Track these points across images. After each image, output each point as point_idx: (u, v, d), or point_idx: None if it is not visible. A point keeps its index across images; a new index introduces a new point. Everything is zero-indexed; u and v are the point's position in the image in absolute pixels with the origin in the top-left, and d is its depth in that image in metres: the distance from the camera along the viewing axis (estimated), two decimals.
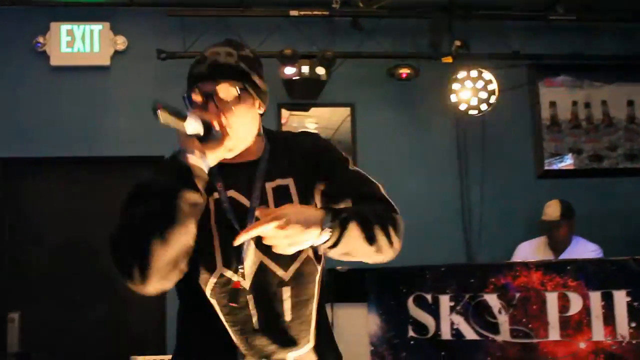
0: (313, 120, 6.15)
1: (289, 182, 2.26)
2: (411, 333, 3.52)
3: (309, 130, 2.61)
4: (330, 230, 2.04)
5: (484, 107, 5.91)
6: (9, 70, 5.92)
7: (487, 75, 5.91)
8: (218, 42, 2.30)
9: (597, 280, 3.32)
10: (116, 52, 6.03)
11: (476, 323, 3.41)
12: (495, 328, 3.37)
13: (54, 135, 5.88)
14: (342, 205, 2.24)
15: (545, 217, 5.44)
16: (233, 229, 2.15)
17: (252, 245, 2.17)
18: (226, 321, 2.17)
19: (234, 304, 2.16)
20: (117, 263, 2.06)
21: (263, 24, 6.03)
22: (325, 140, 2.46)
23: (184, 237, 2.00)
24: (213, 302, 2.17)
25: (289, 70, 5.75)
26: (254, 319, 2.17)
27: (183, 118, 2.03)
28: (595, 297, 3.28)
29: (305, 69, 5.75)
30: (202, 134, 2.06)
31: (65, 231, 5.96)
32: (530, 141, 6.33)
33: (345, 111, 6.19)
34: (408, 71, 6.02)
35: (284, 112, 6.11)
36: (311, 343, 2.23)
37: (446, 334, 3.44)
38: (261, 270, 2.18)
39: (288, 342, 2.19)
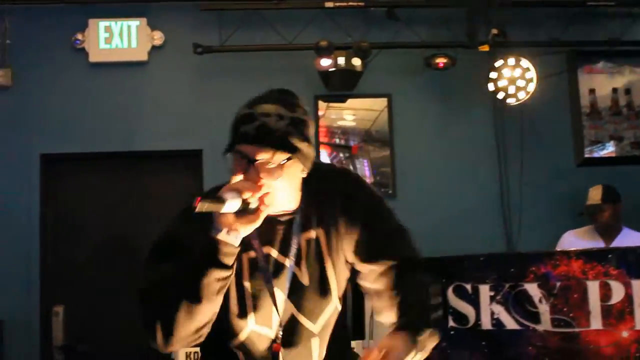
0: (350, 112, 6.15)
1: (320, 233, 2.19)
2: (451, 323, 3.50)
3: (340, 169, 2.51)
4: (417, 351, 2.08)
5: (522, 95, 5.87)
6: (48, 68, 6.00)
7: (525, 63, 5.86)
8: (268, 94, 2.15)
9: (639, 269, 3.28)
10: (153, 47, 6.08)
11: (517, 313, 3.38)
12: (536, 317, 3.34)
13: (94, 131, 5.95)
14: (380, 264, 2.18)
15: (588, 202, 5.40)
16: (265, 285, 2.15)
17: (284, 297, 2.16)
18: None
19: None
20: (143, 322, 2.09)
21: (298, 16, 6.03)
22: (357, 179, 2.35)
23: (210, 310, 2.00)
24: (238, 351, 2.19)
25: (325, 62, 5.75)
26: None
27: (222, 202, 1.89)
28: (638, 286, 3.23)
29: (341, 61, 5.74)
30: (238, 209, 1.94)
31: (106, 225, 6.03)
32: (569, 129, 6.26)
33: (382, 102, 6.17)
34: (445, 60, 5.99)
35: (321, 104, 6.11)
36: None
37: (486, 324, 3.42)
38: (291, 323, 2.18)
39: None
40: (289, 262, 2.15)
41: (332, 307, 2.22)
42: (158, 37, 6.08)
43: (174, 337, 1.99)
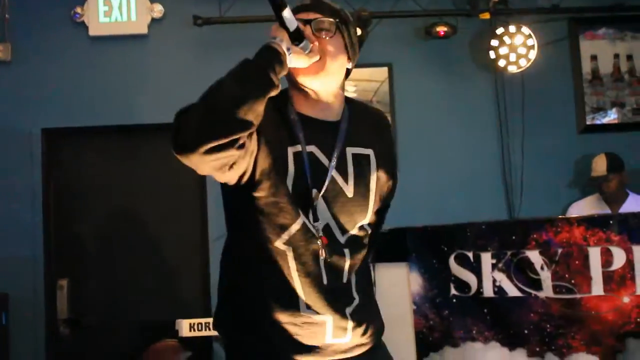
0: (351, 84, 6.13)
1: (370, 152, 2.34)
2: (453, 291, 3.52)
3: (380, 111, 2.68)
4: None
5: (523, 62, 5.85)
6: (48, 42, 5.98)
7: (526, 30, 5.84)
8: None
9: None
10: (153, 20, 6.05)
11: (518, 280, 3.40)
12: (537, 284, 3.36)
13: (95, 105, 5.94)
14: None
15: (593, 174, 5.40)
16: (307, 184, 2.21)
17: (324, 205, 2.24)
18: (297, 270, 2.21)
19: (328, 258, 2.22)
20: (175, 129, 2.10)
21: None
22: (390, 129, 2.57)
23: (260, 106, 2.04)
24: (285, 247, 2.21)
25: None
26: (324, 275, 2.23)
27: (284, 5, 2.13)
28: (639, 251, 3.25)
29: None
30: (292, 29, 2.14)
31: (109, 199, 6.04)
32: (571, 96, 6.24)
33: (383, 72, 6.15)
34: (445, 29, 5.95)
35: None
36: (357, 300, 2.31)
37: (488, 291, 3.44)
38: (326, 232, 2.25)
39: (347, 299, 2.28)
40: (333, 169, 2.25)
41: (363, 225, 2.34)
42: (157, 10, 6.05)
43: (214, 129, 1.99)
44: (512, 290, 3.42)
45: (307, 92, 2.29)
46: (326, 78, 2.27)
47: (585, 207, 5.45)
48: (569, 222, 3.37)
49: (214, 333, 4.91)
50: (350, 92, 6.06)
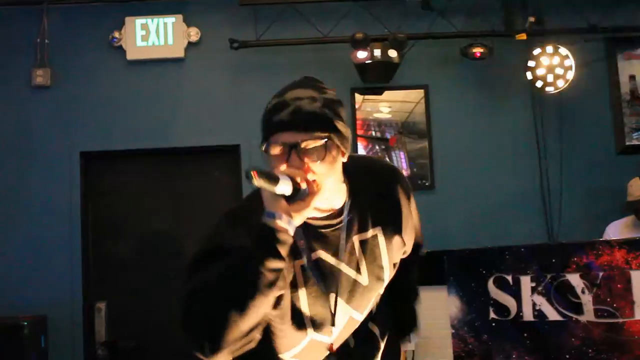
0: (386, 105, 6.12)
1: (377, 232, 2.20)
2: (492, 315, 3.48)
3: (388, 167, 2.44)
4: None
5: (560, 83, 5.80)
6: (87, 66, 6.06)
7: (564, 50, 5.79)
8: (295, 82, 2.13)
9: None
10: (190, 44, 6.11)
11: (559, 304, 3.35)
12: (578, 308, 3.31)
13: (132, 128, 6.00)
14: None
15: (629, 198, 5.31)
16: (321, 292, 2.13)
17: (342, 304, 2.17)
18: None
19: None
20: (188, 331, 1.94)
21: (334, 9, 6.02)
22: (405, 186, 2.31)
23: (264, 307, 1.90)
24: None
25: (361, 55, 5.73)
26: None
27: (276, 181, 1.84)
28: None
29: (377, 53, 5.71)
30: (289, 194, 1.89)
31: (146, 222, 6.08)
32: (610, 117, 6.17)
33: (418, 93, 6.14)
34: (481, 50, 5.93)
35: (357, 97, 6.08)
36: None
37: (528, 315, 3.39)
38: (349, 323, 2.22)
39: None
40: (344, 265, 2.14)
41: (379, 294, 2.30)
42: (194, 34, 6.10)
43: (224, 343, 1.85)
44: (552, 314, 3.37)
45: None
46: (323, 196, 2.00)
47: (622, 228, 5.35)
48: (610, 245, 3.32)
49: None
50: (385, 113, 6.06)
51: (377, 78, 5.97)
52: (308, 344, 2.15)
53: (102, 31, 6.07)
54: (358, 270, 2.16)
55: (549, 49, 5.79)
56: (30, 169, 5.91)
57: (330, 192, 2.02)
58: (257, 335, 1.93)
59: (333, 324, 2.15)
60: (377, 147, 6.05)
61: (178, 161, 6.17)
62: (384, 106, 6.12)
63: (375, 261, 2.19)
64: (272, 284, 1.87)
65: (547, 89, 5.84)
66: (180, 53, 6.08)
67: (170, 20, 6.06)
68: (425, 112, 6.11)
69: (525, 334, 3.41)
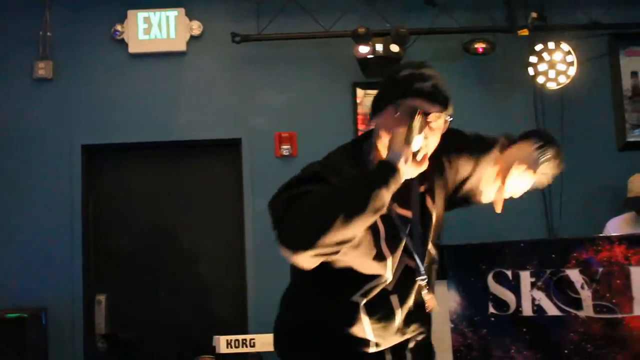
0: None
1: (424, 188, 2.39)
2: (492, 310, 3.49)
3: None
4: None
5: (562, 79, 5.80)
6: (89, 59, 6.06)
7: (565, 46, 5.79)
8: (420, 61, 2.39)
9: None
10: (192, 38, 6.11)
11: (558, 299, 3.36)
12: (578, 304, 3.31)
13: (134, 122, 6.01)
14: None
15: (630, 194, 5.31)
16: (399, 240, 2.28)
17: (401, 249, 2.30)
18: (370, 318, 2.28)
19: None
20: (287, 224, 2.05)
21: (336, 4, 6.01)
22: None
23: (363, 226, 2.05)
24: (360, 300, 2.27)
25: (364, 49, 5.72)
26: (397, 319, 2.32)
27: (419, 132, 2.13)
28: None
29: (379, 47, 5.71)
30: (415, 150, 2.13)
31: (147, 215, 6.09)
32: (611, 113, 6.17)
33: None
34: (484, 45, 5.93)
35: (359, 92, 6.08)
36: (427, 332, 2.48)
37: (527, 310, 3.40)
38: (404, 272, 2.33)
39: (416, 330, 2.41)
40: (414, 216, 2.32)
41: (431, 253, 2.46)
42: (196, 27, 6.11)
43: (322, 240, 1.97)
44: (551, 310, 3.37)
45: None
46: (423, 168, 2.24)
47: (622, 224, 5.35)
48: (609, 240, 3.32)
49: (252, 350, 4.92)
50: None
51: (379, 73, 5.96)
52: (381, 281, 2.26)
53: (105, 24, 6.07)
54: (425, 228, 2.36)
55: (551, 45, 5.79)
56: (31, 162, 5.92)
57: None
58: (345, 248, 2.06)
59: (419, 274, 2.33)
60: None
61: (179, 155, 6.18)
62: None
63: (424, 214, 2.39)
64: (378, 210, 2.05)
65: (549, 84, 5.84)
66: (182, 47, 6.09)
67: (172, 13, 6.06)
68: None
69: (524, 329, 3.42)
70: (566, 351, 3.32)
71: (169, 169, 6.17)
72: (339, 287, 2.26)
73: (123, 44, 6.07)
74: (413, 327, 2.38)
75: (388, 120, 2.22)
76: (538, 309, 3.39)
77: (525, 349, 3.40)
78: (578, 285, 3.32)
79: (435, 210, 2.41)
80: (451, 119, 2.31)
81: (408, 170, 2.13)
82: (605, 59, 6.18)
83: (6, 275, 5.73)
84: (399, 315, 2.30)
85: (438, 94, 2.26)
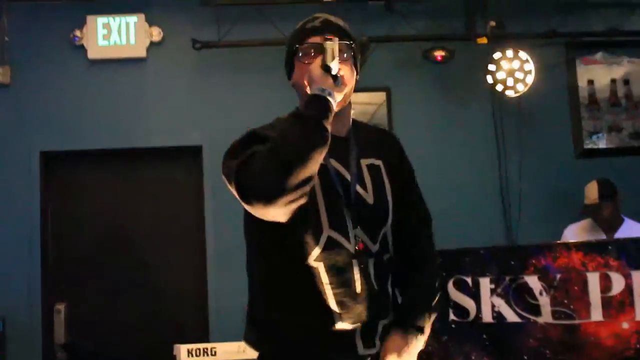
0: None
1: (380, 164, 2.41)
2: (452, 317, 3.52)
3: (387, 130, 2.93)
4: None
5: (520, 87, 5.86)
6: (47, 65, 5.99)
7: (523, 55, 5.86)
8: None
9: (639, 260, 3.29)
10: (152, 44, 6.08)
11: (517, 305, 3.40)
12: (536, 310, 3.35)
13: (93, 128, 5.95)
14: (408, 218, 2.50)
15: (586, 201, 5.37)
16: (338, 195, 2.27)
17: (354, 214, 2.28)
18: (330, 283, 2.23)
19: (362, 264, 2.26)
20: (250, 182, 2.08)
21: (296, 11, 5.96)
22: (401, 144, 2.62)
23: (318, 160, 2.08)
24: (317, 264, 2.22)
25: None
26: (357, 284, 2.25)
27: (331, 56, 2.16)
28: (638, 277, 3.25)
29: None
30: (334, 73, 2.17)
31: (107, 222, 6.04)
32: (568, 121, 6.26)
33: (380, 96, 6.17)
34: (443, 53, 5.98)
35: None
36: (391, 316, 2.35)
37: (487, 316, 3.43)
38: (356, 238, 2.29)
39: (381, 310, 2.31)
40: (354, 176, 2.31)
41: (387, 232, 2.39)
42: (156, 33, 6.07)
43: (289, 181, 2.00)
44: (511, 316, 3.41)
45: None
46: (344, 102, 2.31)
47: (579, 231, 5.40)
48: (567, 247, 3.37)
49: (213, 358, 4.89)
50: None
51: None
52: (330, 239, 2.23)
53: (64, 29, 6.01)
54: (365, 189, 2.33)
55: (509, 53, 5.85)
56: None
57: (342, 110, 2.30)
58: (308, 189, 2.07)
59: (355, 226, 2.28)
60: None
61: (140, 162, 6.14)
62: None
63: (380, 185, 2.38)
64: (326, 138, 2.09)
65: (507, 92, 5.90)
66: (142, 53, 6.05)
67: (132, 19, 6.03)
68: (387, 114, 6.14)
69: (484, 336, 3.45)
70: (526, 357, 3.37)
71: (130, 176, 6.12)
72: (293, 256, 2.24)
73: (82, 49, 6.02)
74: (376, 306, 2.31)
75: (300, 71, 2.30)
76: (498, 315, 3.42)
77: (486, 355, 3.44)
78: (537, 292, 3.37)
79: (392, 190, 2.41)
80: (353, 44, 2.34)
81: (335, 96, 2.17)
82: (562, 67, 6.27)
83: None
84: (358, 278, 2.25)
85: (331, 25, 2.34)
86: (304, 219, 2.19)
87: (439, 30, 6.11)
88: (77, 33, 6.01)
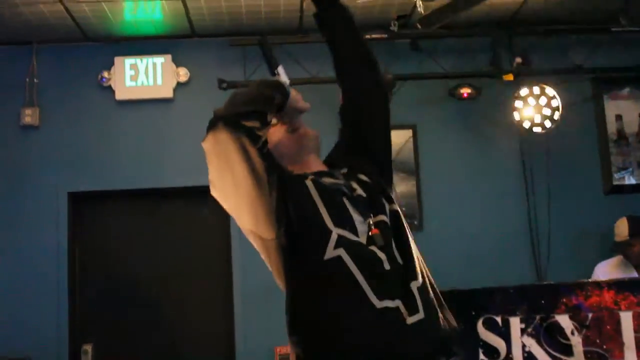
0: None
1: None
2: (482, 356, 3.46)
3: None
4: None
5: (548, 123, 5.83)
6: (76, 106, 6.06)
7: (550, 91, 5.83)
8: None
9: None
10: (179, 84, 6.13)
11: (548, 345, 3.34)
12: (568, 350, 3.29)
13: (120, 168, 5.99)
14: None
15: (616, 238, 5.31)
16: (334, 193, 2.34)
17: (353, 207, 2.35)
18: (361, 271, 2.21)
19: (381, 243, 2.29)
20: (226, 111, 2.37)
21: (322, 50, 6.02)
22: None
23: (263, 104, 2.37)
24: (346, 258, 2.22)
25: None
26: (385, 264, 2.25)
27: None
28: None
29: None
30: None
31: (134, 262, 6.05)
32: (597, 156, 6.21)
33: (406, 133, 6.15)
34: (469, 90, 5.98)
35: None
36: (420, 276, 2.35)
37: (518, 356, 3.37)
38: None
39: (411, 275, 2.31)
40: (341, 177, 2.47)
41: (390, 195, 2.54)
42: (183, 74, 6.13)
43: (234, 107, 2.38)
44: (542, 356, 3.35)
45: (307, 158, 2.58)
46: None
47: (610, 268, 5.34)
48: (599, 286, 3.31)
49: None
50: None
51: None
52: (339, 238, 2.25)
53: (92, 71, 6.08)
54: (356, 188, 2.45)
55: (536, 89, 5.83)
56: (18, 209, 5.88)
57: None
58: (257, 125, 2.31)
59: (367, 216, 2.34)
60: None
61: (166, 202, 6.16)
62: None
63: (368, 182, 2.50)
64: (270, 101, 2.38)
65: (535, 129, 5.87)
66: (169, 93, 6.10)
67: (159, 60, 6.09)
68: (414, 152, 6.12)
69: None
70: None
71: (156, 216, 6.14)
72: (314, 251, 2.25)
73: (110, 90, 6.08)
74: (406, 272, 2.31)
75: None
76: (529, 355, 3.36)
77: None
78: (568, 331, 3.31)
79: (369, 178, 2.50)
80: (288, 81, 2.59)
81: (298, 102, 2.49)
82: (589, 103, 6.24)
83: None
84: (385, 261, 2.26)
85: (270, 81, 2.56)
86: (312, 226, 2.26)
87: (465, 68, 6.11)
88: (105, 74, 6.07)
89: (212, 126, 2.33)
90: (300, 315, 2.31)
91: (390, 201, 2.49)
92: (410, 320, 2.21)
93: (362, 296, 2.19)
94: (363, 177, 2.49)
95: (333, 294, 2.23)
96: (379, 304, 2.18)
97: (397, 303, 2.21)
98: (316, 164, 2.56)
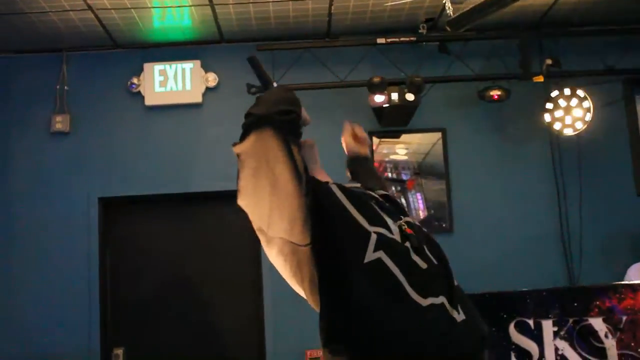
0: (403, 146, 6.12)
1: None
2: None
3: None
4: None
5: (579, 125, 5.78)
6: (106, 112, 6.10)
7: (581, 92, 5.78)
8: None
9: None
10: (207, 89, 6.15)
11: (582, 348, 3.30)
12: (602, 353, 3.26)
13: (151, 174, 6.01)
14: None
15: None
16: (360, 195, 2.37)
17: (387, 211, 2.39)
18: (401, 270, 2.19)
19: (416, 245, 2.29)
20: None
21: (350, 53, 6.05)
22: None
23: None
24: (386, 259, 2.20)
25: (379, 98, 5.73)
26: (420, 263, 2.25)
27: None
28: None
29: (394, 96, 5.72)
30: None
31: (164, 267, 6.06)
32: (629, 158, 6.14)
33: (435, 135, 6.13)
34: (499, 92, 5.93)
35: (374, 139, 6.08)
36: (455, 275, 2.36)
37: None
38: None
39: (449, 273, 2.32)
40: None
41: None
42: (212, 79, 6.15)
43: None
44: (575, 359, 3.32)
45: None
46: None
47: None
48: (632, 288, 3.27)
49: None
50: (401, 154, 6.06)
51: (395, 121, 5.97)
52: (379, 237, 2.23)
53: (121, 77, 6.12)
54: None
55: (567, 91, 5.78)
56: (49, 215, 5.93)
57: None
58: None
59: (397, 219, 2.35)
60: (392, 189, 6.01)
61: (196, 206, 6.17)
62: (400, 148, 6.12)
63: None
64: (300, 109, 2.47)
65: (566, 131, 5.82)
66: (198, 98, 6.12)
67: (188, 65, 6.11)
68: (443, 155, 6.09)
69: None
70: None
71: (186, 221, 6.16)
72: (353, 255, 2.21)
73: (139, 96, 6.11)
74: (444, 272, 2.32)
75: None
76: (561, 358, 3.33)
77: None
78: (602, 334, 3.28)
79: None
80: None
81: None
82: (621, 104, 6.17)
83: (23, 328, 5.72)
84: (421, 261, 2.25)
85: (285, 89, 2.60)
86: (352, 235, 2.23)
87: (494, 70, 6.07)
88: (135, 80, 6.11)
89: (254, 125, 2.22)
90: (340, 323, 2.21)
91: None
92: (457, 316, 2.20)
93: (406, 297, 2.16)
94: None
95: (376, 298, 2.18)
96: (423, 302, 2.16)
97: (442, 299, 2.20)
98: (322, 175, 2.57)
